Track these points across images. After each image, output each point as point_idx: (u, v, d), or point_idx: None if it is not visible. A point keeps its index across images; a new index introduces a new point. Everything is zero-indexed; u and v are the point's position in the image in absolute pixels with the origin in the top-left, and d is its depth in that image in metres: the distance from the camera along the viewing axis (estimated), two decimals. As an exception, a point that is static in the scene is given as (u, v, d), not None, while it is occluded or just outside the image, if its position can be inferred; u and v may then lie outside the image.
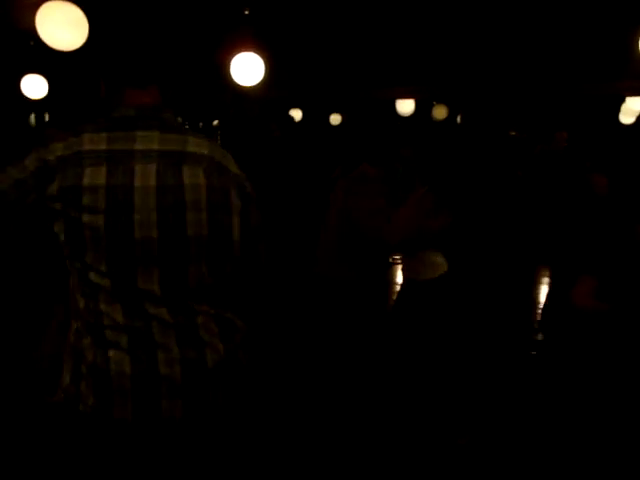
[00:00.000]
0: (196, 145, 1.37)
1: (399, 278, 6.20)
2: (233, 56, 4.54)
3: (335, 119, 9.23)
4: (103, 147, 1.29)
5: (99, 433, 1.34)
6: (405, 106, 7.35)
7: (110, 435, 1.34)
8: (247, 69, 4.56)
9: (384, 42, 5.47)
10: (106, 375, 1.31)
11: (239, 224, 1.42)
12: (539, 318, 4.73)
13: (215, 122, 10.26)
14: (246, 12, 4.86)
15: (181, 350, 1.33)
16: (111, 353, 1.30)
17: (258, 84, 4.74)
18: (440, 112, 8.08)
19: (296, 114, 8.17)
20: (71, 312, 1.38)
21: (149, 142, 1.32)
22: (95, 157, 1.28)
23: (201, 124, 10.79)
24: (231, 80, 4.68)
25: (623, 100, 6.73)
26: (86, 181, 1.26)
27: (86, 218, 1.27)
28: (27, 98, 5.65)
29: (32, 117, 9.54)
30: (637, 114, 6.56)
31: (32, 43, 4.82)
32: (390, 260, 4.69)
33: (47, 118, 9.44)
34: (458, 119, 8.25)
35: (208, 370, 1.36)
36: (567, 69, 5.44)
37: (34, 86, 5.53)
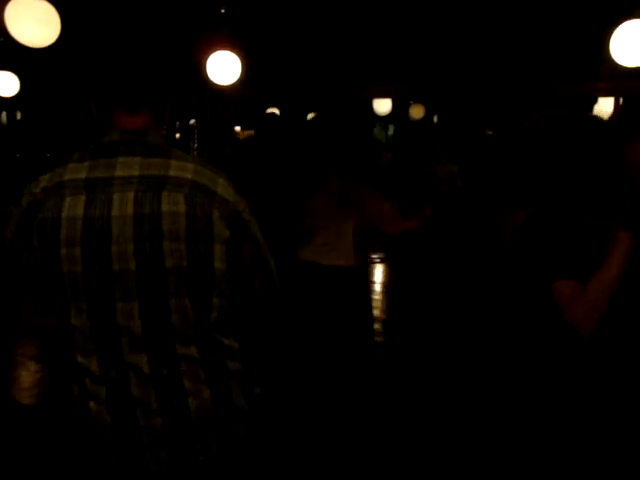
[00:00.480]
0: (179, 169, 1.29)
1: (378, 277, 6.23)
2: (209, 55, 4.51)
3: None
4: (83, 176, 1.25)
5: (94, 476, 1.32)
6: (382, 105, 7.39)
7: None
8: (223, 68, 4.54)
9: (361, 41, 5.49)
10: (89, 425, 1.28)
11: (222, 254, 1.30)
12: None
13: (192, 121, 10.18)
14: (222, 10, 4.83)
15: (160, 402, 1.27)
16: (91, 404, 1.27)
17: (235, 83, 4.72)
18: (417, 111, 8.13)
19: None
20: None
21: (129, 168, 1.26)
22: (74, 187, 1.24)
23: (178, 123, 10.69)
24: (208, 79, 4.65)
25: (596, 101, 6.86)
26: (65, 213, 1.22)
27: (64, 251, 1.22)
28: (-2, 96, 5.55)
29: (3, 115, 9.37)
30: (609, 115, 6.68)
31: (2, 39, 4.72)
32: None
33: (19, 116, 9.27)
34: (435, 118, 8.30)
35: (192, 420, 1.29)
36: (541, 70, 5.52)
37: (5, 84, 5.43)
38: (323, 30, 5.35)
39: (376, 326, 3.76)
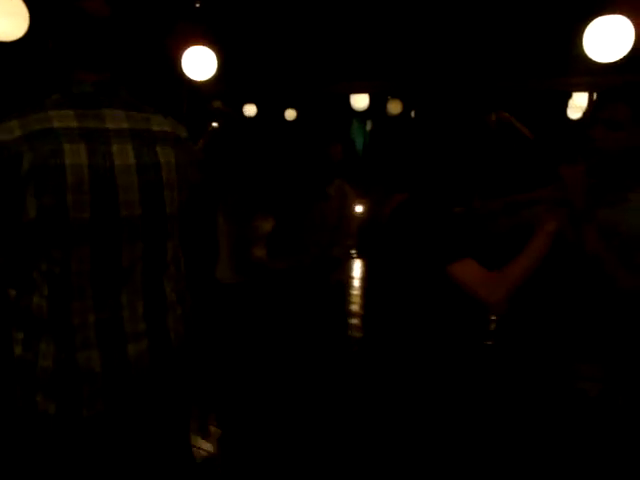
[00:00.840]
0: (160, 124, 1.40)
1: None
2: (185, 50, 4.46)
3: (290, 114, 9.18)
4: (74, 124, 1.26)
5: (64, 437, 1.30)
6: (360, 101, 7.37)
7: (79, 436, 1.30)
8: (199, 63, 4.49)
9: (339, 36, 5.47)
10: (73, 377, 1.27)
11: (195, 200, 1.44)
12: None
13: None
14: (197, 5, 4.78)
15: (150, 338, 1.35)
16: (79, 355, 1.28)
17: (211, 79, 4.67)
18: (395, 107, 8.13)
19: (250, 109, 8.09)
20: (20, 321, 1.30)
21: (119, 120, 1.32)
22: (70, 135, 1.24)
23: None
24: (184, 75, 4.59)
25: (570, 96, 6.93)
26: (68, 160, 1.22)
27: (70, 197, 1.23)
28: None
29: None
30: (584, 109, 6.76)
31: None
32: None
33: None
34: (412, 114, 8.32)
35: (172, 351, 1.40)
36: (515, 65, 5.56)
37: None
38: (300, 25, 5.32)
39: (354, 321, 3.76)
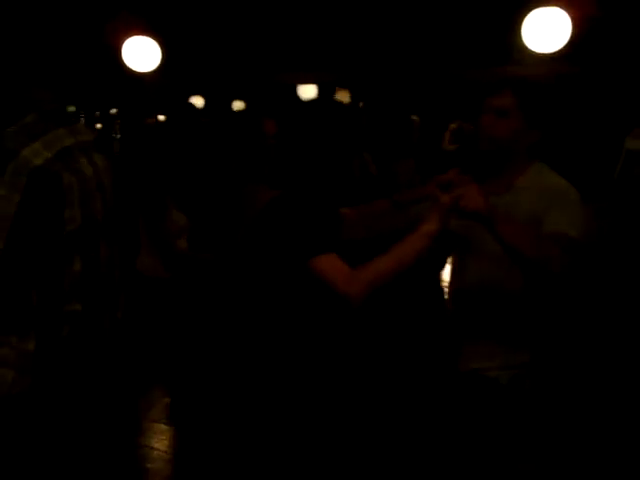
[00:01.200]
0: (91, 133, 1.56)
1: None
2: (126, 41, 4.34)
3: (238, 106, 9.08)
4: (73, 140, 1.41)
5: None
6: (307, 91, 7.36)
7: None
8: (141, 54, 4.38)
9: (285, 26, 5.44)
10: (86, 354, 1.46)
11: None
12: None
13: (113, 110, 9.79)
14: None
15: (124, 300, 1.64)
16: (99, 326, 1.48)
17: (155, 70, 4.56)
18: (343, 97, 8.16)
19: (197, 101, 7.96)
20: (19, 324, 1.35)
21: (86, 134, 1.49)
22: (76, 150, 1.41)
23: (98, 113, 10.25)
24: (125, 66, 4.47)
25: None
26: (87, 172, 1.41)
27: (95, 203, 1.43)
28: None
29: None
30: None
31: None
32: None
33: None
34: (360, 104, 8.36)
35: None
36: (455, 56, 5.65)
37: None
38: (246, 15, 5.27)
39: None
